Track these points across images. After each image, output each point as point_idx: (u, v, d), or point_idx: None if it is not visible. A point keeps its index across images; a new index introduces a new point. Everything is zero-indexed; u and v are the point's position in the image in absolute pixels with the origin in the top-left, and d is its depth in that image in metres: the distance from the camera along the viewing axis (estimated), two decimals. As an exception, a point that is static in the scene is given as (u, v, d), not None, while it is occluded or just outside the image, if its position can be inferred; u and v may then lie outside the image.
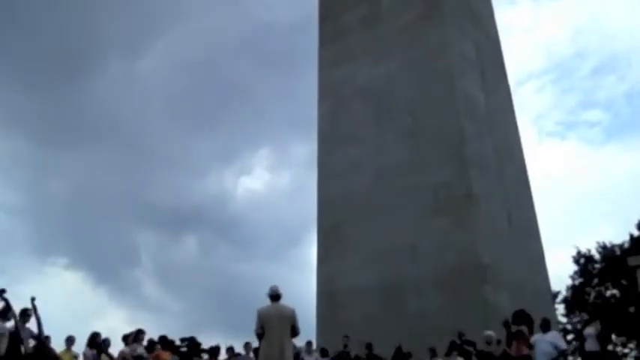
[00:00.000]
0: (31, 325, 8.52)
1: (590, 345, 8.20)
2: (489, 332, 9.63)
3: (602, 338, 8.17)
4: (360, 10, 18.02)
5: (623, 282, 23.28)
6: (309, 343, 12.62)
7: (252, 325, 7.08)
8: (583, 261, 26.54)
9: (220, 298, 49.83)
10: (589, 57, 65.33)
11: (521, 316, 8.72)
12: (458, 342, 10.29)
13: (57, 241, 53.27)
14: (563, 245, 48.35)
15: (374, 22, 17.54)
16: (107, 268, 51.21)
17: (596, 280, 25.81)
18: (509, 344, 8.60)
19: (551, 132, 66.95)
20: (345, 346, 12.01)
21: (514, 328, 8.55)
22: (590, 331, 8.34)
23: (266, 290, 7.25)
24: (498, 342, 9.30)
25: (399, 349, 11.31)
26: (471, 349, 10.16)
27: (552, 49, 63.19)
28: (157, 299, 52.48)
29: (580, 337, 8.54)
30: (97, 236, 52.46)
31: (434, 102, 15.46)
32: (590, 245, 26.78)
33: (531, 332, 8.41)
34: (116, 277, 52.66)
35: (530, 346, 8.12)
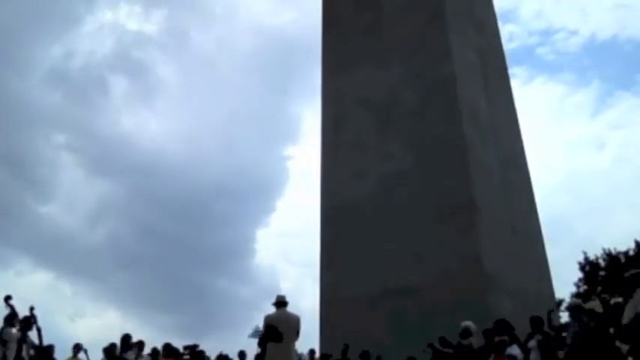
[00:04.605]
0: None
1: (534, 357, 8.17)
2: (467, 323, 9.23)
3: (545, 349, 8.11)
4: (363, 17, 18.08)
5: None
6: (312, 352, 12.65)
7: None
8: (588, 268, 26.46)
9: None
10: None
11: (504, 326, 8.51)
12: (438, 347, 10.22)
13: None
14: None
15: (376, 29, 17.59)
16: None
17: (600, 288, 25.70)
18: (485, 356, 8.21)
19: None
20: (344, 352, 11.91)
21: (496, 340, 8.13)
22: (532, 343, 8.31)
23: None
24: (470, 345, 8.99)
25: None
26: (449, 350, 10.06)
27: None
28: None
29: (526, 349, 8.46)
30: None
31: (436, 109, 15.48)
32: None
33: (512, 341, 8.23)
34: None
35: (514, 358, 7.95)
